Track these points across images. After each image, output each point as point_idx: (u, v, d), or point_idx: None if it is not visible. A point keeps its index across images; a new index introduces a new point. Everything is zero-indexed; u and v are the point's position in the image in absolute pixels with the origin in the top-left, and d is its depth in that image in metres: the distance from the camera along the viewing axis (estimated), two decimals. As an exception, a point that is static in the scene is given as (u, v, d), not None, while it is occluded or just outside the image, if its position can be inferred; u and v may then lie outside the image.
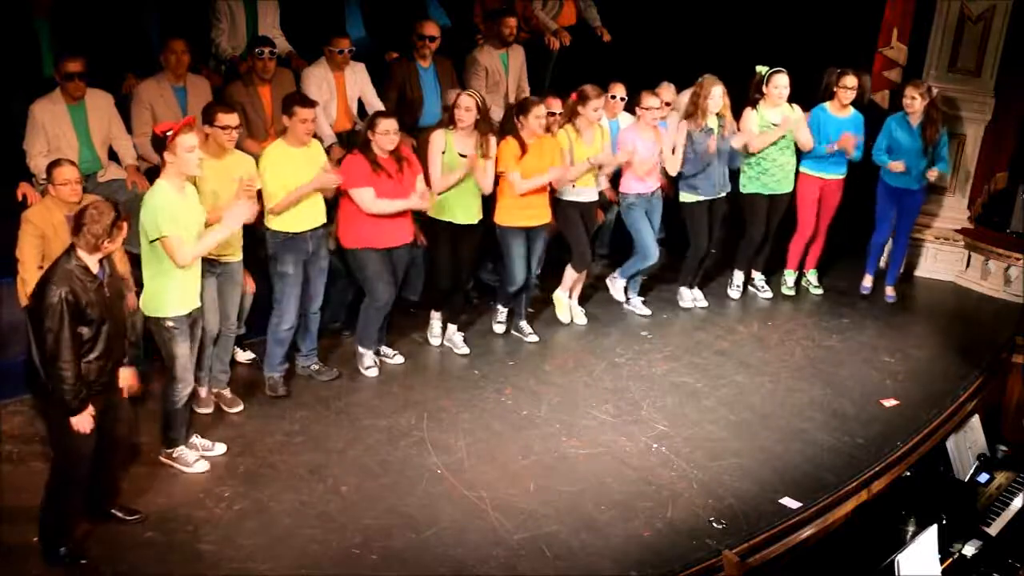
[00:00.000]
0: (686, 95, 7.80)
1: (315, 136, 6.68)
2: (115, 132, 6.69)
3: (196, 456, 5.79)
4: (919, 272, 8.82)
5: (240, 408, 6.38)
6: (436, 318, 7.25)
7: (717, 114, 7.55)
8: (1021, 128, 8.70)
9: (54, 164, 5.74)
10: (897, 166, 7.86)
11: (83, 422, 4.86)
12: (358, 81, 7.58)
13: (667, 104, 7.70)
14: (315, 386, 6.70)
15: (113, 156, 6.75)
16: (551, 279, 7.63)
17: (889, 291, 8.38)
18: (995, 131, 8.61)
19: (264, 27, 7.72)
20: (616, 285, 7.91)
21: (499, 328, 7.41)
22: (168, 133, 5.30)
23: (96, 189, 6.48)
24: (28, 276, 5.65)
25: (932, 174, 7.91)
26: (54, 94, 6.45)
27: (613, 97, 7.61)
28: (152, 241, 5.33)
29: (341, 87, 7.50)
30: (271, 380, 6.57)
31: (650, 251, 7.60)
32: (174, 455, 5.77)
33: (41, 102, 6.42)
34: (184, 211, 5.41)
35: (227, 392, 6.41)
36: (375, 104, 7.55)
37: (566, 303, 7.67)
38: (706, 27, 9.21)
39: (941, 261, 8.79)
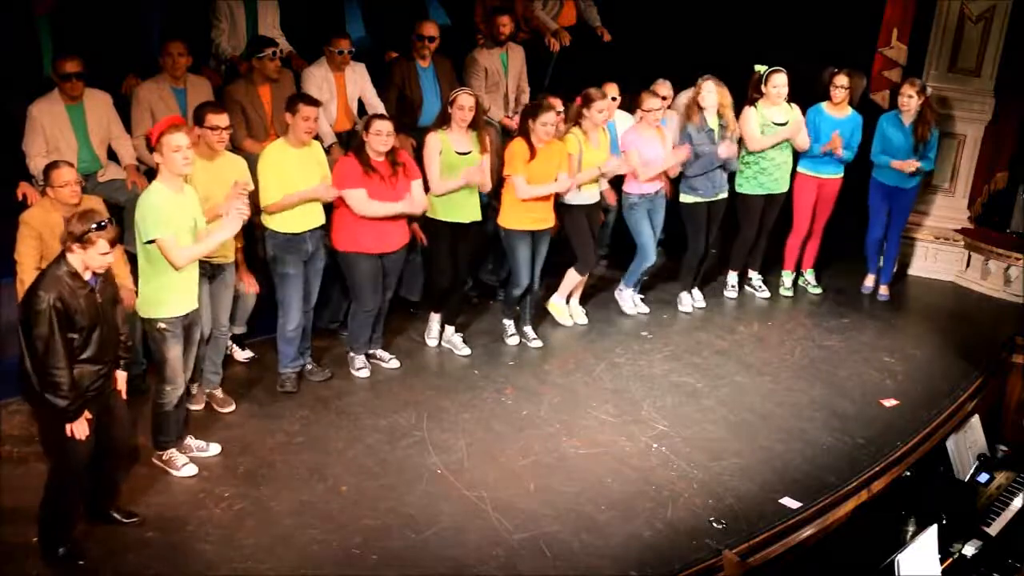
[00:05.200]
0: (684, 95, 7.80)
1: (316, 137, 6.71)
2: (114, 132, 6.69)
3: (185, 460, 5.75)
4: (919, 272, 8.81)
5: (232, 408, 6.39)
6: (435, 319, 7.24)
7: (719, 115, 7.54)
8: (1021, 128, 8.69)
9: (51, 166, 5.67)
10: (902, 165, 7.83)
11: (79, 428, 4.84)
12: (358, 81, 7.58)
13: (663, 98, 7.70)
14: (315, 386, 6.69)
15: (113, 156, 6.74)
16: (553, 282, 7.63)
17: (883, 290, 8.39)
18: (995, 131, 8.61)
19: (264, 27, 7.72)
20: (624, 297, 7.88)
21: (512, 341, 7.32)
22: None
23: (96, 189, 6.48)
24: (26, 277, 5.61)
25: (912, 164, 7.90)
26: (52, 94, 6.44)
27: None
28: (146, 243, 5.30)
29: (341, 87, 7.49)
30: (282, 376, 6.60)
31: (648, 252, 7.61)
32: (164, 458, 5.75)
33: (39, 103, 6.41)
34: (180, 211, 5.37)
35: (219, 392, 6.41)
36: (375, 104, 7.55)
37: (563, 308, 7.66)
38: (706, 27, 9.21)
39: (941, 261, 8.79)
